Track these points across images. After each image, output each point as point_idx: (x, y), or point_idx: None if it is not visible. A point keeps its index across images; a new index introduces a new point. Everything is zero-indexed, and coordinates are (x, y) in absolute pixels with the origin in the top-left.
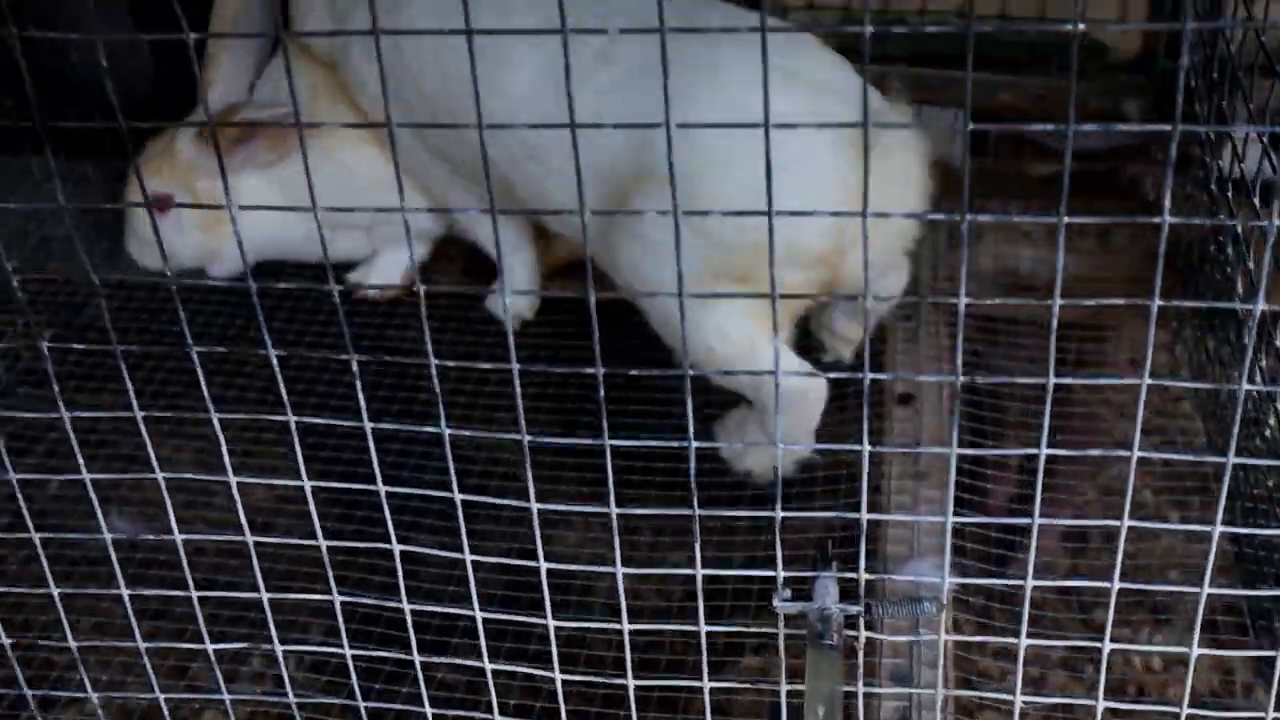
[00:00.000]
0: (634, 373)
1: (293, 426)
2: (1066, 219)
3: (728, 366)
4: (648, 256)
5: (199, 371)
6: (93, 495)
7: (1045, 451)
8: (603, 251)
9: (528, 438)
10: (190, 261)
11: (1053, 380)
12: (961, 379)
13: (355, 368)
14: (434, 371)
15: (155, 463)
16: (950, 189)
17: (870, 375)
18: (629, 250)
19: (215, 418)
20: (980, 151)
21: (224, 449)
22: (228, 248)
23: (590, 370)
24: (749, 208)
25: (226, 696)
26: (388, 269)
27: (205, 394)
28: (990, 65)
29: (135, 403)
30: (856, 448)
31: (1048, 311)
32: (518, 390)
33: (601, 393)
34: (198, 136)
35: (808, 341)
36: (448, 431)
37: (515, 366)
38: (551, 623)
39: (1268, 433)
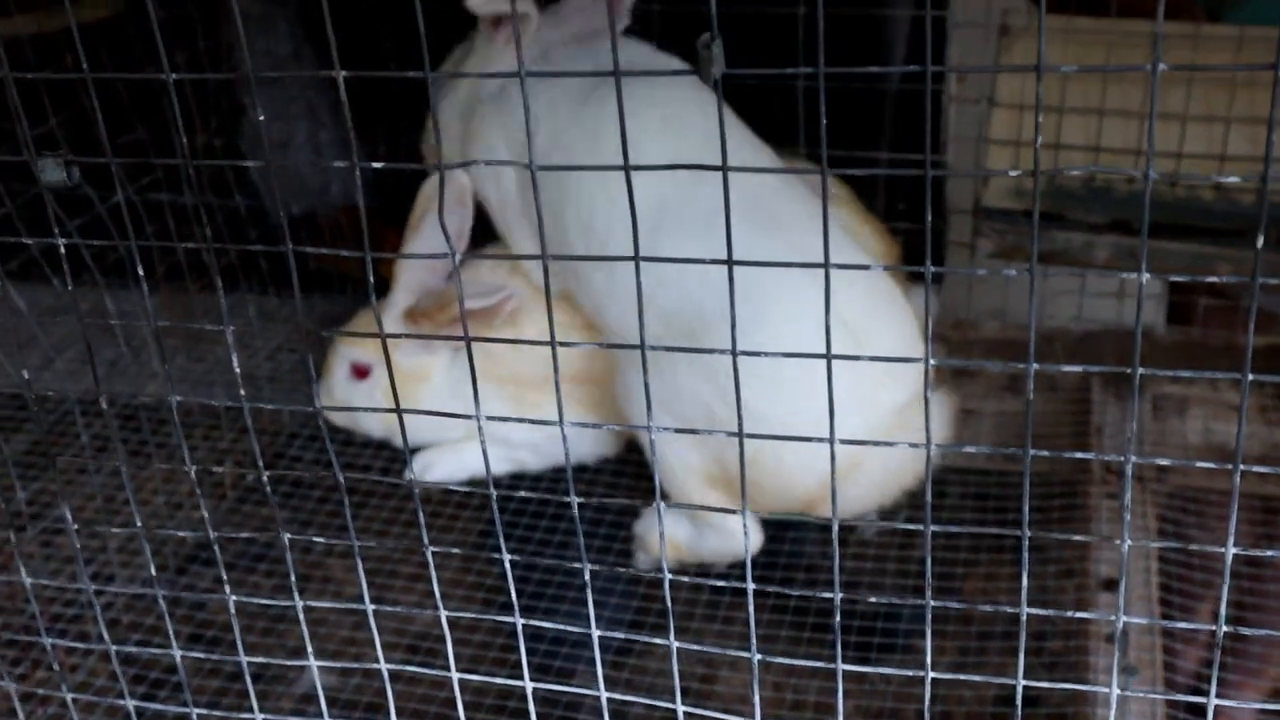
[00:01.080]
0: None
1: (519, 628)
2: None
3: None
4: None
5: (431, 566)
6: (317, 680)
7: None
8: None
9: (757, 657)
10: (376, 431)
11: None
12: (1223, 631)
13: (587, 576)
14: (667, 584)
15: (380, 651)
16: (1151, 360)
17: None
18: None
19: (443, 615)
20: (1186, 319)
21: (449, 646)
22: (409, 425)
23: (828, 595)
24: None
25: None
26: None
27: (435, 590)
28: (1205, 235)
29: (367, 594)
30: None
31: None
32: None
33: (837, 619)
34: (406, 316)
35: None
36: (675, 645)
37: (750, 586)
38: None
39: None
